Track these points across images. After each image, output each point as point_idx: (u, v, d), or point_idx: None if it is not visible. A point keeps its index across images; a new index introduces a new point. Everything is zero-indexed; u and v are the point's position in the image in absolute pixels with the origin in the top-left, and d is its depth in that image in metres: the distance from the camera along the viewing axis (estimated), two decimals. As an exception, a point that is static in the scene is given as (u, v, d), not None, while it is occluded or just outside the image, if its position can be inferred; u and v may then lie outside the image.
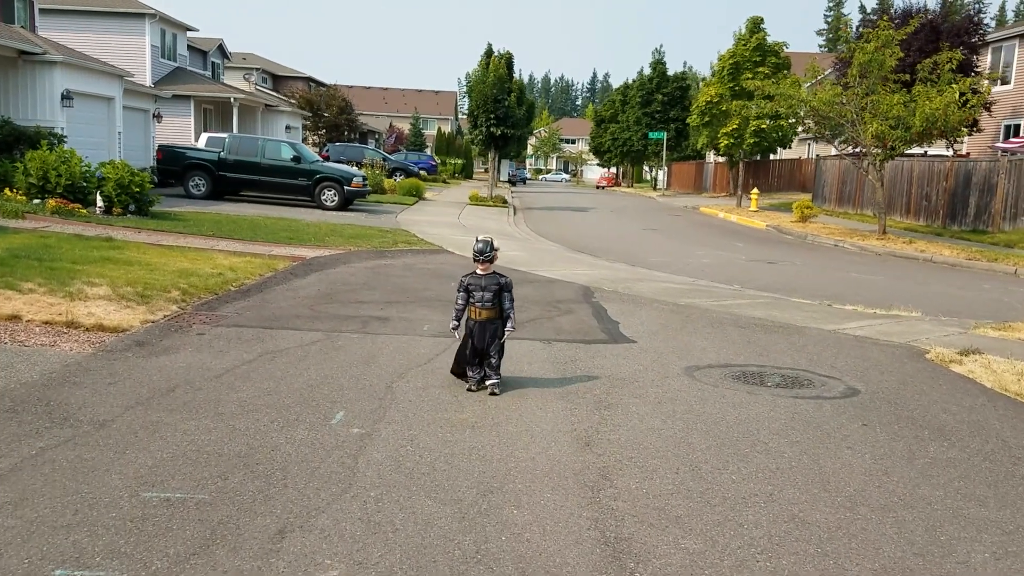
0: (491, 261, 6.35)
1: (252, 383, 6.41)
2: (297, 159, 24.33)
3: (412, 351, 7.76)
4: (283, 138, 31.36)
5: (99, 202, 16.88)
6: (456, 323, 6.48)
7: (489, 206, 30.48)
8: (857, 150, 26.02)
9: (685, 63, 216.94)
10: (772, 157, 46.82)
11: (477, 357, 6.40)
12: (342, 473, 4.57)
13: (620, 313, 10.29)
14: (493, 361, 6.35)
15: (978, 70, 29.46)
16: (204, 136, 30.03)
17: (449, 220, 23.92)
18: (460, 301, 6.45)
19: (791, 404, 6.35)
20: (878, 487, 4.61)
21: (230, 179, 24.46)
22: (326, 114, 49.01)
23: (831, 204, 33.54)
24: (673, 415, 5.92)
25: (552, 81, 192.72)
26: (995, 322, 11.12)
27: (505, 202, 32.77)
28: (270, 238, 15.82)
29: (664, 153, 54.99)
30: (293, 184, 24.38)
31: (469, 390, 6.39)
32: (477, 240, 6.41)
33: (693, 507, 4.21)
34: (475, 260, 6.37)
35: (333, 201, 23.96)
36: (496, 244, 6.39)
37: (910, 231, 25.47)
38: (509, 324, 6.40)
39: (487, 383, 6.39)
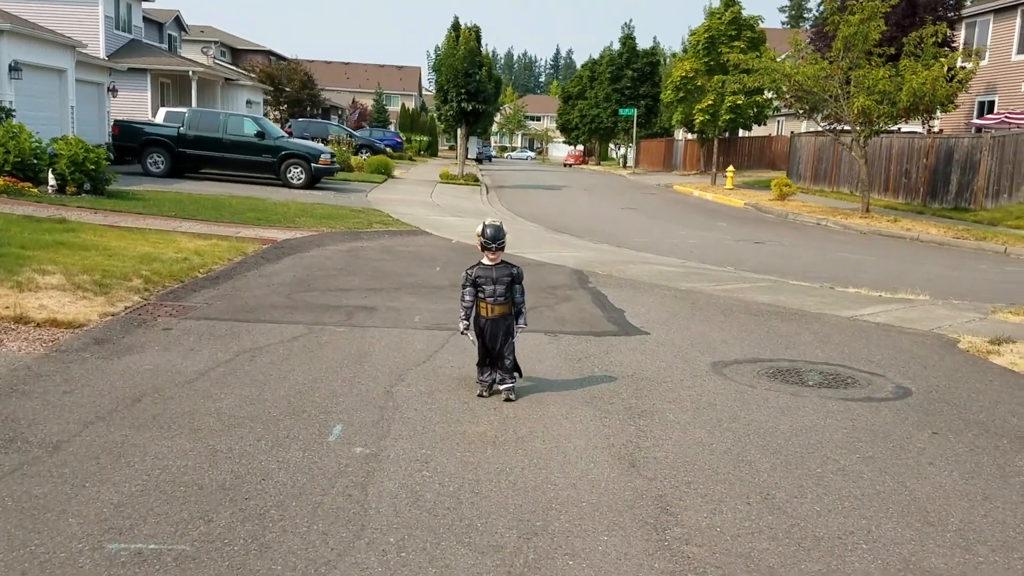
0: (502, 249, 5.56)
1: (231, 390, 5.56)
2: (261, 135, 23.20)
3: (407, 347, 6.95)
4: (244, 113, 30.06)
5: (51, 181, 15.74)
6: (466, 323, 5.65)
7: (460, 184, 29.57)
8: (835, 126, 25.55)
9: (654, 38, 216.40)
10: (742, 134, 46.37)
11: (489, 358, 5.62)
12: (351, 510, 3.78)
13: (622, 300, 9.56)
14: (507, 363, 5.57)
15: (954, 45, 29.11)
16: (162, 111, 28.72)
17: (422, 199, 23.00)
18: (468, 297, 5.62)
19: (844, 408, 5.67)
20: (985, 516, 3.94)
21: (190, 156, 23.26)
22: (288, 89, 47.54)
23: (806, 182, 33.14)
24: (719, 425, 5.20)
25: (515, 58, 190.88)
26: (1008, 306, 10.59)
27: (476, 180, 31.86)
28: (236, 219, 14.82)
29: (634, 130, 54.29)
30: (257, 161, 23.26)
31: (480, 396, 5.61)
32: (485, 225, 5.58)
33: (784, 552, 3.49)
34: (484, 248, 5.54)
35: (300, 179, 22.90)
36: (505, 229, 5.59)
37: (890, 209, 25.10)
38: (521, 320, 5.62)
39: (501, 388, 5.61)
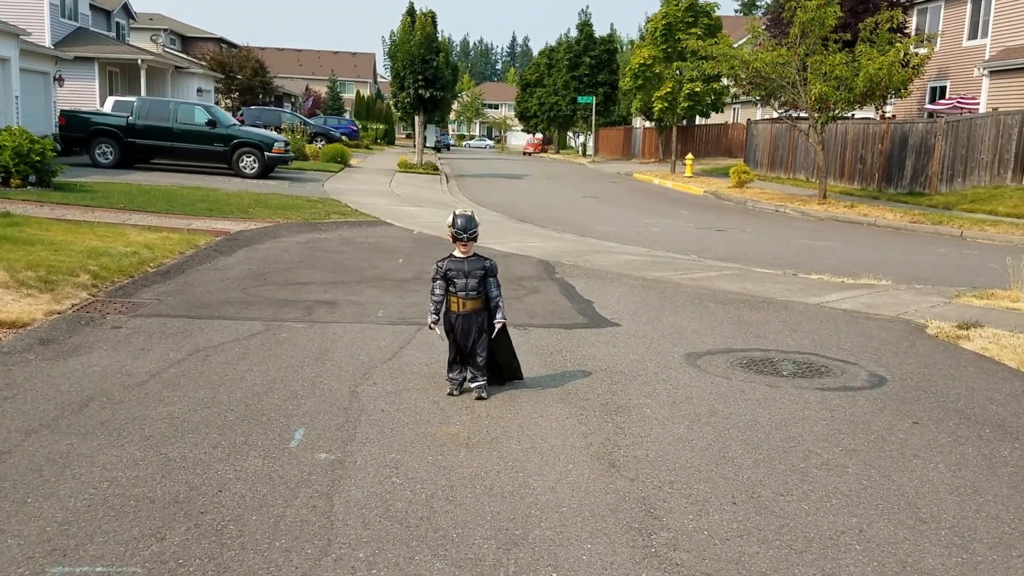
0: (474, 240, 5.32)
1: (184, 392, 5.26)
2: (212, 123, 22.60)
3: (371, 343, 6.69)
4: (195, 101, 29.30)
5: (-8, 172, 15.10)
6: (435, 317, 5.41)
7: (420, 173, 29.18)
8: (792, 113, 25.65)
9: (611, 25, 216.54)
10: (699, 122, 46.54)
11: (459, 355, 5.38)
12: (316, 523, 3.53)
13: (590, 291, 9.38)
14: (479, 360, 5.34)
15: (907, 31, 29.41)
16: (111, 100, 27.94)
17: (380, 188, 22.62)
18: (438, 291, 5.37)
19: (821, 399, 5.54)
20: (977, 511, 3.82)
21: (140, 146, 22.59)
22: (239, 76, 46.59)
23: (763, 169, 33.31)
24: (697, 419, 5.04)
25: (471, 45, 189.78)
26: (971, 289, 10.62)
27: (436, 169, 31.48)
28: (187, 210, 14.37)
29: (593, 118, 54.21)
30: (209, 151, 22.66)
31: (451, 395, 5.38)
32: (456, 215, 5.32)
33: (776, 556, 3.32)
34: (455, 239, 5.29)
35: (253, 168, 22.36)
36: (477, 219, 5.35)
37: (846, 195, 25.29)
38: (499, 315, 5.37)
39: (472, 385, 5.38)
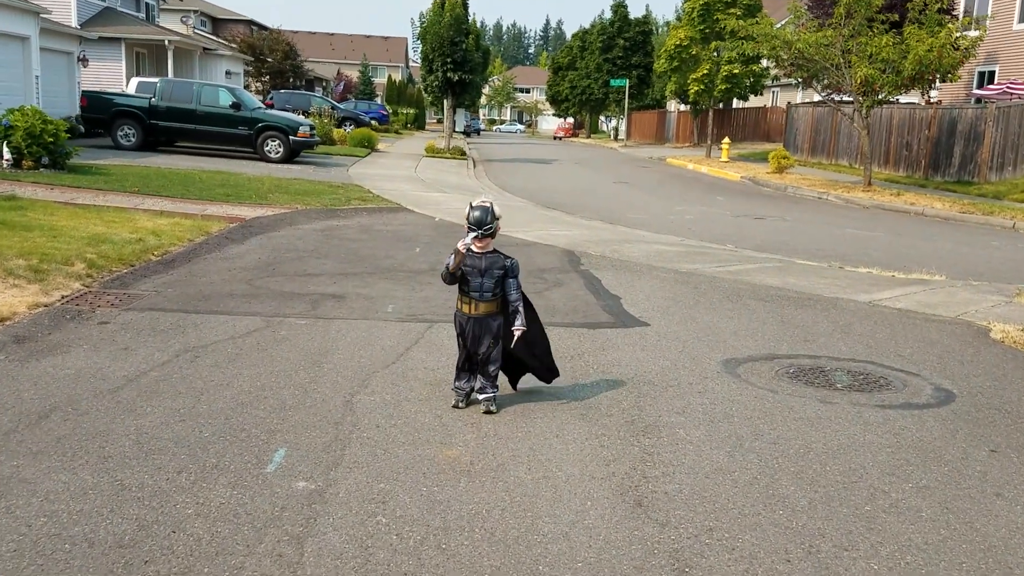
0: (492, 235, 4.66)
1: (160, 401, 4.70)
2: (237, 106, 22.12)
3: (375, 342, 6.09)
4: (220, 83, 28.87)
5: (6, 154, 14.72)
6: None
7: (447, 158, 28.57)
8: (833, 96, 24.63)
9: (647, 6, 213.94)
10: (736, 106, 45.38)
11: (469, 362, 4.76)
12: (280, 577, 2.93)
13: (618, 284, 8.71)
14: (491, 369, 4.71)
15: (954, 13, 28.15)
16: (134, 81, 27.62)
17: (406, 174, 22.04)
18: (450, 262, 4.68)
19: (883, 419, 4.85)
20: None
21: (163, 128, 22.18)
22: (270, 59, 46.18)
23: (803, 154, 32.24)
24: (740, 444, 4.37)
25: (504, 28, 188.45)
26: (1033, 287, 9.79)
27: (463, 154, 30.85)
28: (204, 195, 13.88)
29: (626, 101, 53.17)
30: (233, 134, 22.20)
31: (456, 407, 4.76)
32: (472, 206, 4.64)
33: (842, 638, 2.66)
34: (470, 232, 4.67)
35: (278, 152, 21.87)
36: (498, 211, 4.69)
37: (891, 182, 24.26)
38: (518, 321, 4.69)
39: (480, 397, 4.75)
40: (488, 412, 4.66)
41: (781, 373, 5.69)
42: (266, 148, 21.93)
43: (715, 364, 5.87)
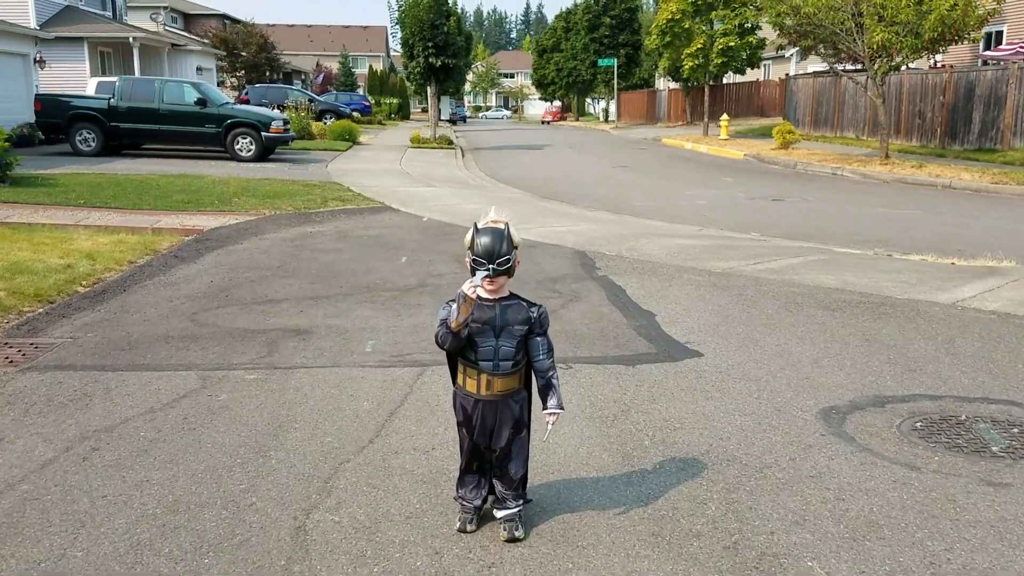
0: (510, 273, 3.01)
1: (14, 546, 3.13)
2: (203, 102, 20.43)
3: (347, 407, 4.54)
4: (183, 79, 27.10)
5: (-65, 168, 13.08)
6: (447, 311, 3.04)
7: (433, 148, 26.92)
8: (842, 66, 23.10)
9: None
10: (727, 81, 43.75)
11: (478, 463, 3.18)
12: None
13: (647, 295, 7.16)
14: (513, 471, 3.13)
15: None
16: (93, 81, 25.94)
17: (390, 167, 20.41)
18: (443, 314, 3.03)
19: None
20: None
21: (125, 130, 20.51)
22: (244, 53, 44.32)
23: (805, 127, 30.67)
24: (908, 583, 2.83)
25: (484, 14, 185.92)
26: None
27: (451, 143, 29.20)
28: (160, 204, 12.26)
29: (615, 81, 51.42)
30: (200, 132, 20.53)
31: (462, 531, 3.18)
32: (478, 229, 2.97)
33: None
34: (475, 268, 2.97)
35: (249, 151, 20.21)
36: (515, 235, 3.02)
37: (905, 153, 22.72)
38: (553, 400, 3.11)
39: (500, 515, 3.16)
40: (512, 540, 3.09)
41: (907, 430, 4.15)
42: (237, 146, 20.28)
43: (811, 417, 4.33)
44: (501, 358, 2.99)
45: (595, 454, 3.89)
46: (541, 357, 3.06)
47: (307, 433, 4.17)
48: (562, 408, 3.10)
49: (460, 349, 2.97)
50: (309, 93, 42.30)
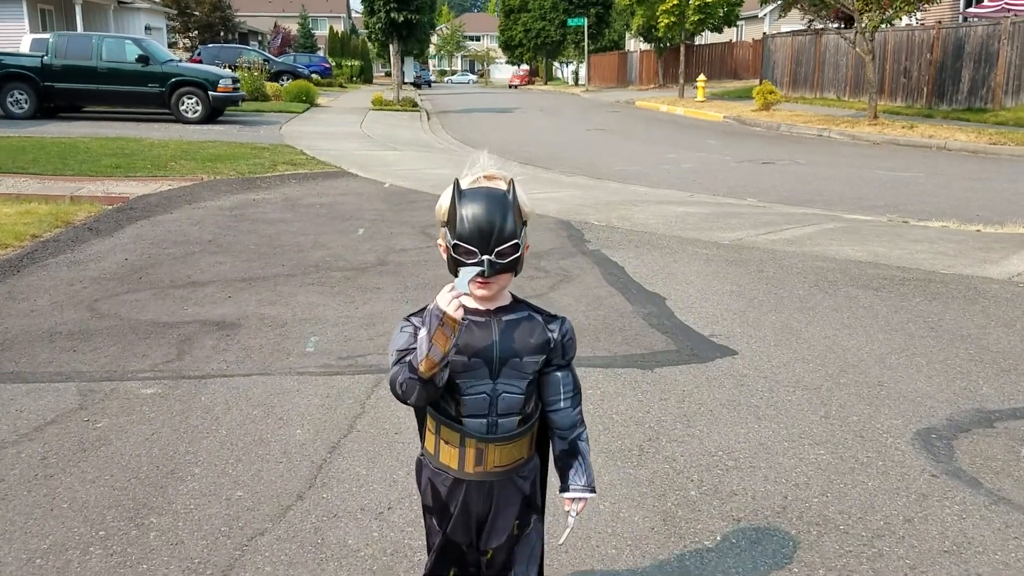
0: (515, 269, 1.74)
1: None
2: (145, 59, 18.76)
3: (274, 436, 3.32)
4: (124, 35, 25.22)
5: None
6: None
7: (397, 111, 25.40)
8: (821, 24, 22.00)
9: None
10: (699, 42, 42.45)
11: (456, 568, 1.93)
12: None
13: (650, 274, 5.99)
14: (514, 594, 1.94)
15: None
16: (27, 38, 23.95)
17: (349, 130, 18.95)
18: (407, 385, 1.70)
19: None
20: None
21: (60, 91, 18.80)
22: (196, 13, 42.17)
23: (785, 88, 29.52)
24: None
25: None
26: None
27: (415, 105, 27.68)
28: (87, 169, 10.82)
29: (586, 43, 49.83)
30: (142, 92, 18.88)
31: None
32: (462, 193, 1.70)
33: None
34: (457, 261, 1.70)
35: (196, 111, 18.63)
36: (525, 203, 1.78)
37: (890, 114, 21.69)
38: (580, 479, 1.85)
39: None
40: None
41: (1042, 465, 3.03)
42: (182, 107, 18.68)
43: (907, 446, 3.18)
44: (501, 412, 1.78)
45: (623, 513, 2.71)
46: (562, 405, 1.85)
47: (209, 483, 2.95)
48: (593, 491, 1.90)
49: (431, 398, 1.73)
50: (265, 54, 40.33)
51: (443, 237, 1.75)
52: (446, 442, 1.81)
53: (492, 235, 1.66)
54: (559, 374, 1.84)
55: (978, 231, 8.04)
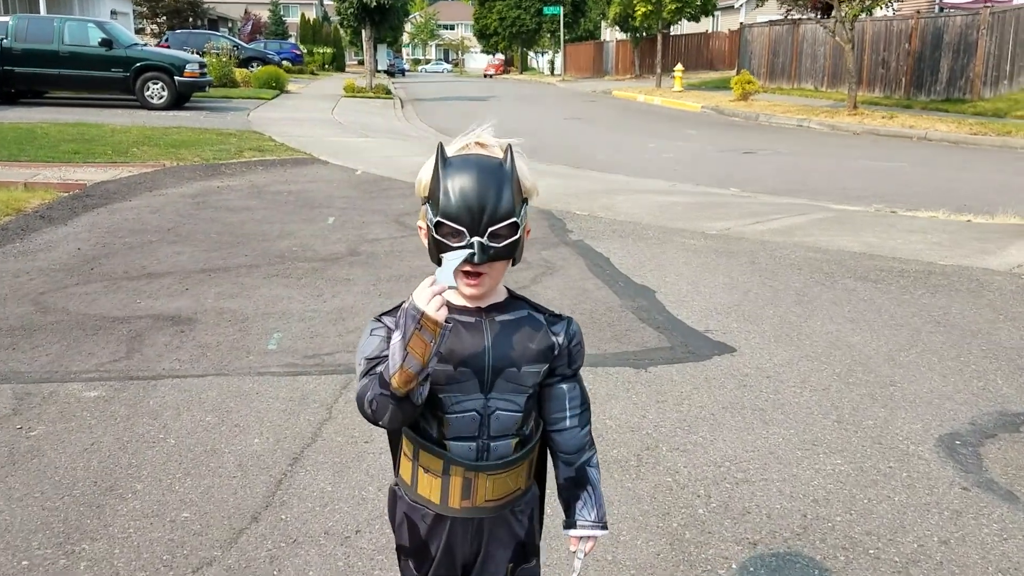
0: (513, 257, 1.39)
1: None
2: (108, 43, 18.16)
3: (227, 447, 2.96)
4: (87, 18, 24.45)
5: None
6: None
7: (369, 98, 24.90)
8: (799, 16, 21.82)
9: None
10: (675, 32, 42.21)
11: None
12: None
13: (637, 265, 5.67)
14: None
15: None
16: (-15, 21, 23.16)
17: (320, 116, 18.47)
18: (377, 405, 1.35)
19: None
20: None
21: (19, 75, 18.14)
22: (164, -2, 41.27)
23: (762, 79, 29.30)
24: None
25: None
26: None
27: (388, 92, 27.19)
28: (44, 155, 10.31)
29: (562, 32, 49.44)
30: (106, 77, 18.26)
31: None
32: (447, 162, 1.36)
33: None
34: (441, 246, 1.35)
35: (161, 97, 18.05)
36: (528, 174, 1.45)
37: (870, 104, 21.56)
38: (589, 512, 1.53)
39: None
40: None
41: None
42: (147, 92, 18.10)
43: (931, 454, 2.89)
44: (494, 433, 1.44)
45: (624, 536, 2.39)
46: (568, 423, 1.53)
47: (153, 502, 2.59)
48: (605, 527, 1.57)
49: (407, 417, 1.39)
50: (235, 40, 39.54)
51: (423, 216, 1.41)
52: (426, 470, 1.47)
53: (484, 212, 1.33)
54: (564, 386, 1.51)
55: (969, 221, 7.83)
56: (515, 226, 1.36)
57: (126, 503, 2.60)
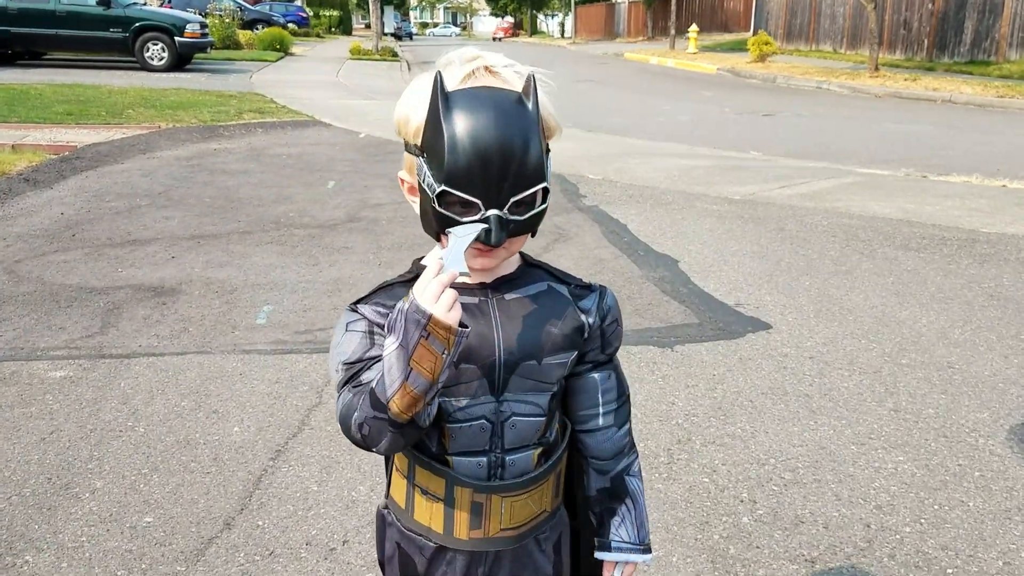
0: (534, 227, 1.03)
1: None
2: (106, 2, 17.67)
3: (203, 436, 2.61)
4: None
5: None
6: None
7: (375, 60, 24.36)
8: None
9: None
10: (689, -6, 41.28)
11: None
12: None
13: (656, 232, 5.29)
14: None
15: None
16: (-18, -20, 22.66)
17: (324, 79, 17.98)
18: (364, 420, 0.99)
19: None
20: None
21: (16, 36, 17.68)
22: (168, -41, 40.43)
23: (779, 40, 28.59)
24: None
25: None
26: None
27: (395, 55, 26.62)
28: (35, 116, 9.92)
29: (571, -7, 48.53)
30: (104, 38, 17.78)
31: None
32: (444, 93, 0.96)
33: None
34: (442, 217, 0.98)
35: (162, 59, 17.58)
36: (552, 112, 1.08)
37: (891, 67, 20.92)
38: (627, 531, 1.18)
39: None
40: None
41: None
42: (147, 54, 17.63)
43: (1004, 448, 2.51)
44: (510, 445, 1.09)
45: (657, 551, 2.04)
46: (602, 422, 1.18)
47: (112, 504, 2.24)
48: (648, 550, 1.22)
49: (405, 433, 1.02)
50: (239, 2, 38.87)
51: (411, 171, 1.04)
52: (424, 492, 1.11)
53: (507, 176, 0.95)
54: (597, 375, 1.16)
55: (1004, 187, 7.42)
56: (545, 191, 0.99)
57: (82, 505, 2.26)
